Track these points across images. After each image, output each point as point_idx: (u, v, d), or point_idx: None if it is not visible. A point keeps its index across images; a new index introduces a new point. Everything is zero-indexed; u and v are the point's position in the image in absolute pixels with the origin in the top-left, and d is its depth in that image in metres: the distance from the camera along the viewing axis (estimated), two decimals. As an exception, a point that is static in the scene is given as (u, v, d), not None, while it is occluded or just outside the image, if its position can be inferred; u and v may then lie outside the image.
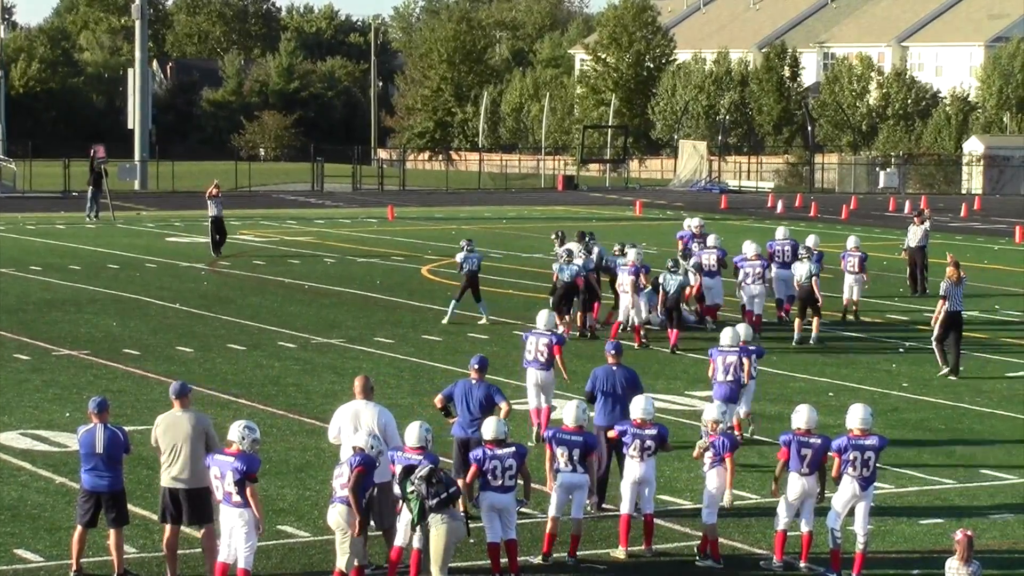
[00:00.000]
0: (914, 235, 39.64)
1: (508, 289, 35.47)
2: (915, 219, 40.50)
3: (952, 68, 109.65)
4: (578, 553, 16.75)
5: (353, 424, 16.54)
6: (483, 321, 32.86)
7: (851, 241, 35.96)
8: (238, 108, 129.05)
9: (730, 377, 21.74)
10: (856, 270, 34.80)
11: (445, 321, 32.80)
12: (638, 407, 17.27)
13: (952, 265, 28.55)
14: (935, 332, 28.41)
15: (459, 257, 33.16)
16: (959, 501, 19.70)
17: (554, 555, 16.71)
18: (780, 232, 34.86)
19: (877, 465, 16.51)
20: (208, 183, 49.61)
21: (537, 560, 16.66)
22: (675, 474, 20.17)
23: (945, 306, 28.22)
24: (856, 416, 16.51)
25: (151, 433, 16.11)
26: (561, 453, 16.77)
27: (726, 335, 22.16)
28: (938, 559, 16.22)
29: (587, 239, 33.36)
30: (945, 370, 28.25)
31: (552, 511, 16.83)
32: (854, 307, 34.87)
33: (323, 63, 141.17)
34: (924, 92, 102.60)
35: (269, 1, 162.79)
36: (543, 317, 23.17)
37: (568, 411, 17.06)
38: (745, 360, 21.91)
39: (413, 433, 15.79)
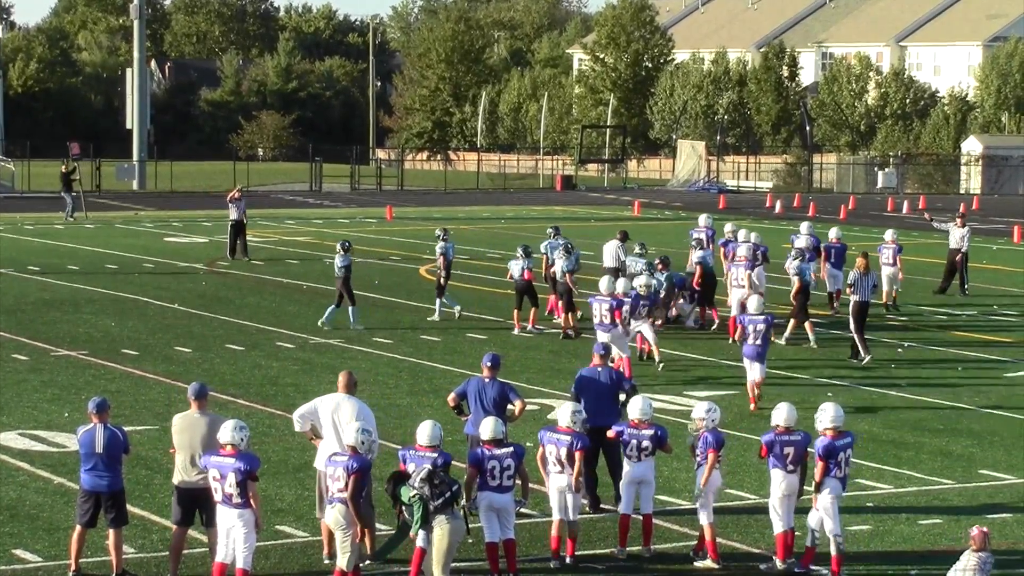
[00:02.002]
0: (954, 237, 39.98)
1: (508, 290, 35.42)
2: (957, 220, 40.81)
3: (950, 68, 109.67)
4: (577, 553, 16.73)
5: (332, 418, 16.48)
6: (324, 325, 32.21)
7: (888, 234, 37.27)
8: (236, 108, 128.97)
9: (759, 341, 24.54)
10: (891, 262, 35.76)
11: (350, 327, 32.25)
12: (635, 408, 17.21)
13: (861, 256, 30.02)
14: (851, 323, 29.45)
15: (337, 261, 32.46)
16: (957, 501, 19.68)
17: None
18: (804, 228, 36.16)
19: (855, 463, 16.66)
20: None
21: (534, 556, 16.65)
22: (673, 474, 20.15)
23: (854, 296, 29.38)
24: (828, 416, 16.41)
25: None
26: (550, 452, 16.77)
27: (752, 303, 25.25)
28: (937, 559, 16.24)
29: (555, 235, 33.84)
30: (867, 359, 29.03)
31: (555, 513, 16.77)
32: (893, 297, 36.20)
33: (321, 63, 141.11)
34: (922, 92, 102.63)
35: (267, 1, 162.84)
36: (604, 282, 26.52)
37: (562, 413, 17.05)
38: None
39: (426, 432, 15.61)
